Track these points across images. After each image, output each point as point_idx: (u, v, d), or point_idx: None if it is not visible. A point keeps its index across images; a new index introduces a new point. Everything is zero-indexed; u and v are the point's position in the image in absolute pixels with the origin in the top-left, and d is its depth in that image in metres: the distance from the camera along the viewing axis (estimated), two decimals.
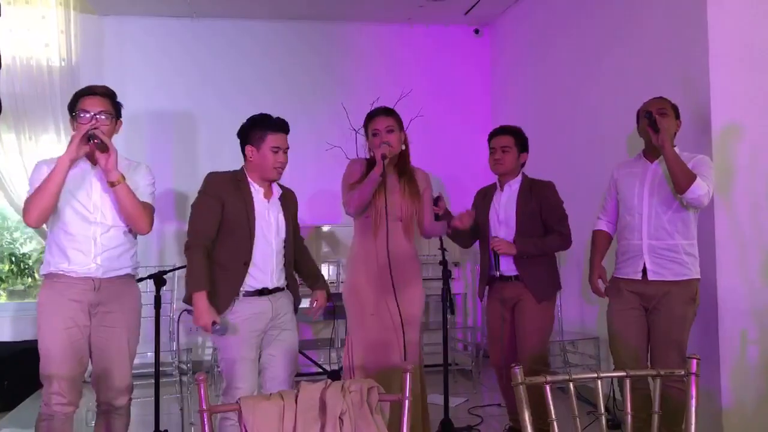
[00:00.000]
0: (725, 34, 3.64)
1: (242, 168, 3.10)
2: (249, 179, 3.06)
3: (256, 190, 3.06)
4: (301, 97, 6.12)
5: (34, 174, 2.87)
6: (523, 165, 3.76)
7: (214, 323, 2.84)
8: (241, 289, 2.97)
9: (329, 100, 6.02)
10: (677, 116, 3.32)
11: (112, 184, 2.83)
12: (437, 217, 3.53)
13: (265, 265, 3.02)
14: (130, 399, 3.09)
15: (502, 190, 3.72)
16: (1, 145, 5.45)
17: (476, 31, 6.62)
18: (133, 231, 3.02)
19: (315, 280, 3.34)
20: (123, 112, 3.02)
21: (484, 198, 3.81)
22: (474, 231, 3.78)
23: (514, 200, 3.64)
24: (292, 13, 6.06)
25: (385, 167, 3.26)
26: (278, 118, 3.07)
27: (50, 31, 5.56)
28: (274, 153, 3.02)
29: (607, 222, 3.53)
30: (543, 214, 3.61)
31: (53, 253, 2.92)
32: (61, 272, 2.89)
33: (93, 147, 2.78)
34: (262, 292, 3.00)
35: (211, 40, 6.10)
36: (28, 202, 2.80)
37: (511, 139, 3.67)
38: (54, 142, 5.50)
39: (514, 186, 3.69)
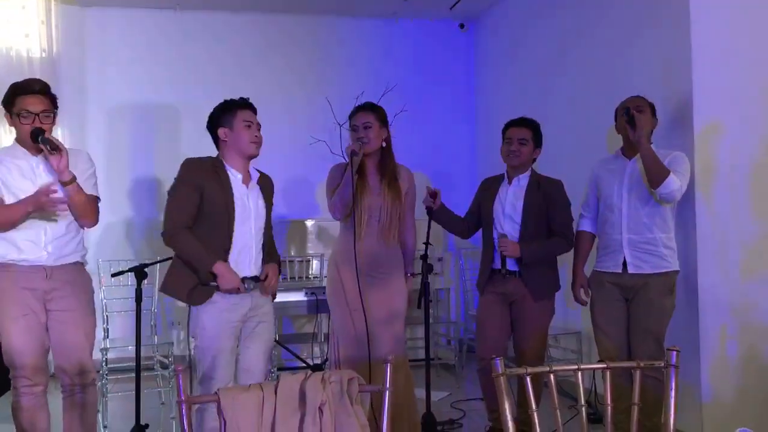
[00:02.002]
0: (708, 31, 3.66)
1: (218, 155, 3.02)
2: (227, 165, 2.97)
3: (235, 176, 2.97)
4: (285, 91, 6.07)
5: None
6: (533, 161, 3.67)
7: (243, 281, 2.87)
8: None
9: (314, 94, 5.96)
10: (654, 114, 3.41)
11: (64, 184, 2.85)
12: (429, 212, 3.53)
13: (245, 253, 2.96)
14: (95, 379, 3.13)
15: (510, 183, 3.63)
16: None
17: (461, 26, 6.61)
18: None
19: (269, 256, 3.10)
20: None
21: (489, 189, 3.72)
22: (472, 221, 3.79)
23: (522, 195, 3.57)
24: (277, 6, 6.01)
25: (365, 166, 3.24)
26: (242, 98, 3.05)
27: (30, 22, 5.46)
28: (248, 127, 2.95)
29: (590, 219, 3.58)
30: (549, 214, 3.55)
31: (2, 245, 2.94)
32: (12, 262, 2.92)
33: (41, 148, 2.81)
34: (243, 281, 2.91)
35: (195, 32, 6.02)
36: None
37: (529, 132, 3.58)
38: None
39: (522, 180, 3.60)
